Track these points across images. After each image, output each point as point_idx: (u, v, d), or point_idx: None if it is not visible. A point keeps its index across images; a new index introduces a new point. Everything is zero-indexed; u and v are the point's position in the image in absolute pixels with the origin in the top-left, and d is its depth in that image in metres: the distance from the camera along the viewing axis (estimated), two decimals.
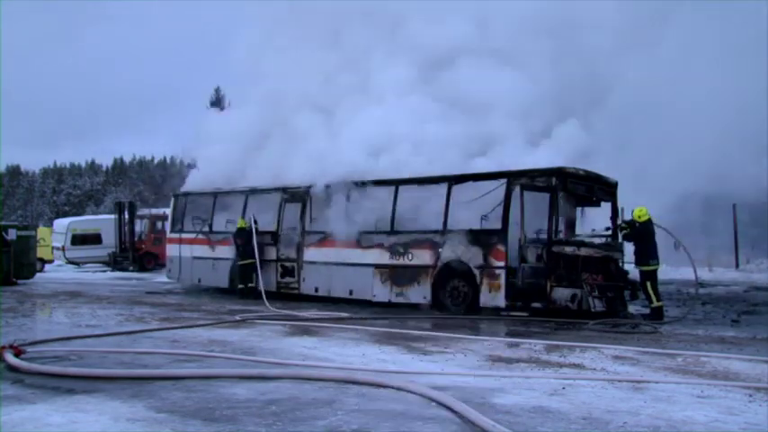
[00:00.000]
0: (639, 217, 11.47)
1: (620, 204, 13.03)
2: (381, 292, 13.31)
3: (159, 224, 28.76)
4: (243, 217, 15.93)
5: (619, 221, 12.25)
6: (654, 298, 11.25)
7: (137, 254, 28.40)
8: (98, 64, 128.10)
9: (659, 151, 13.17)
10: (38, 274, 22.60)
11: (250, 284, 15.44)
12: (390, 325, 10.54)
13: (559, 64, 13.48)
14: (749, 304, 13.71)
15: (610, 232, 12.35)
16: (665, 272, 15.82)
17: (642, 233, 11.43)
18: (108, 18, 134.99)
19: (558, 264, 11.32)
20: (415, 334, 9.48)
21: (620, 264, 12.33)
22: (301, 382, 5.97)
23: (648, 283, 11.30)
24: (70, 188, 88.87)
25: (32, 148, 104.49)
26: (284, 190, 15.71)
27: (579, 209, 13.27)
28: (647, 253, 11.39)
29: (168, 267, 18.83)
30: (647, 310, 11.62)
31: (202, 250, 17.20)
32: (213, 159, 17.52)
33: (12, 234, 20.19)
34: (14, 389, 5.75)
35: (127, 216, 28.79)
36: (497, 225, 11.70)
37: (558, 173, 11.44)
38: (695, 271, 11.97)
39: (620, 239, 12.15)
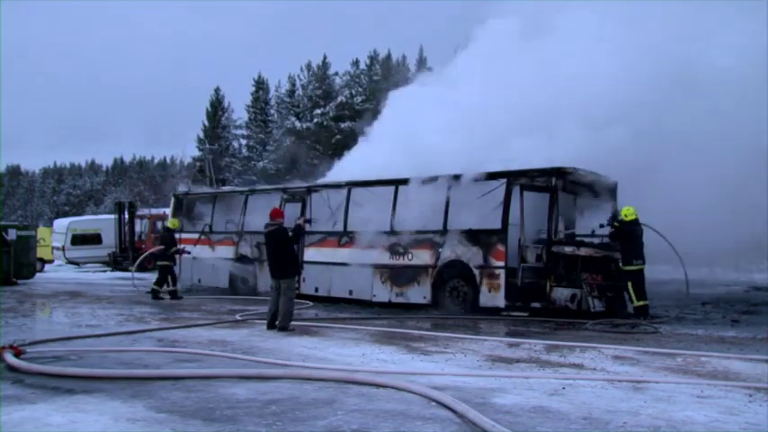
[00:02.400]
0: (626, 216, 11.51)
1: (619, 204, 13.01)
2: (381, 292, 13.32)
3: (159, 224, 28.79)
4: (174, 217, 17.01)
5: (606, 222, 12.12)
6: (634, 298, 11.31)
7: (137, 254, 28.41)
8: (98, 63, 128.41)
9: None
10: (38, 274, 22.61)
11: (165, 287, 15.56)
12: (390, 325, 10.54)
13: None
14: (749, 304, 13.72)
15: (606, 230, 12.26)
16: (665, 272, 15.81)
17: (627, 233, 11.46)
18: (108, 17, 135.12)
19: (558, 264, 11.32)
20: (415, 334, 9.48)
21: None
22: (301, 382, 5.97)
23: (630, 283, 11.35)
24: (70, 188, 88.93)
25: (35, 148, 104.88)
26: (284, 190, 15.73)
27: (579, 209, 13.26)
28: (631, 253, 11.43)
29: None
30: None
31: (202, 250, 17.20)
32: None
33: (12, 234, 20.18)
34: (14, 389, 5.75)
35: (127, 216, 28.81)
36: (497, 225, 11.71)
37: (558, 173, 11.44)
38: (686, 274, 11.91)
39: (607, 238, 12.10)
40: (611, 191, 12.81)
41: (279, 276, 9.99)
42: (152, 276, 22.06)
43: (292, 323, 9.88)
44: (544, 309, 11.35)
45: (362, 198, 13.96)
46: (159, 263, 15.79)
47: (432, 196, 12.75)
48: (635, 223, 11.47)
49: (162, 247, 15.88)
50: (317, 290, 14.48)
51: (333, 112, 47.34)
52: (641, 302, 11.32)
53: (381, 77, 46.59)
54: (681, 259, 11.60)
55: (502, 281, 11.52)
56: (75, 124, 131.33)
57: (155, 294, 15.29)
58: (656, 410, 5.04)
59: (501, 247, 11.60)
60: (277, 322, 9.77)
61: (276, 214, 10.46)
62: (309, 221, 10.73)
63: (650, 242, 11.71)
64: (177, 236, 16.41)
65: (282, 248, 10.05)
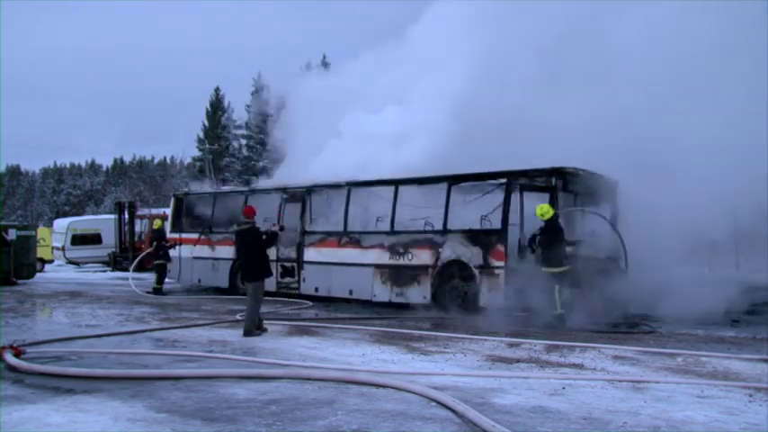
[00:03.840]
0: (542, 216, 10.60)
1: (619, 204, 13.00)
2: (381, 292, 13.31)
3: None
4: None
5: (527, 238, 11.06)
6: (558, 304, 10.37)
7: (137, 254, 28.41)
8: (98, 63, 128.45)
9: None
10: (38, 274, 22.61)
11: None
12: (390, 325, 10.54)
13: None
14: (749, 304, 13.71)
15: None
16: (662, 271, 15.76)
17: (552, 231, 10.51)
18: (107, 17, 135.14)
19: None
20: (415, 334, 9.48)
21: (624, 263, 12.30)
22: (301, 382, 5.97)
23: (557, 288, 10.41)
24: (70, 188, 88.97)
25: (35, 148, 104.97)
26: (284, 190, 15.74)
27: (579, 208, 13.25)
28: (558, 253, 10.49)
29: (168, 267, 18.83)
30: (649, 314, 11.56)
31: (202, 250, 17.22)
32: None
33: (12, 234, 20.19)
34: (14, 389, 5.75)
35: (127, 216, 28.82)
36: (497, 225, 11.71)
37: (558, 172, 11.43)
38: (626, 258, 11.38)
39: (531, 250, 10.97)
40: (612, 190, 12.81)
41: (247, 279, 9.67)
42: (152, 276, 22.08)
43: (293, 323, 9.86)
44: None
45: (363, 198, 13.97)
46: (156, 262, 17.26)
47: (432, 196, 12.76)
48: (554, 219, 10.54)
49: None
50: (316, 290, 14.48)
51: None
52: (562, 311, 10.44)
53: None
54: (625, 252, 11.51)
55: (502, 281, 11.52)
56: (76, 124, 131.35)
57: (157, 292, 16.55)
58: (656, 410, 5.04)
59: (501, 247, 11.59)
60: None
61: (249, 212, 9.96)
62: (283, 228, 10.52)
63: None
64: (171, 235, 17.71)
65: (254, 249, 9.61)
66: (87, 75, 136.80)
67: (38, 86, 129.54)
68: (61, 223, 33.85)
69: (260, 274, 9.59)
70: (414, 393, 5.42)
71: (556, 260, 10.52)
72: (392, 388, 5.62)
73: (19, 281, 20.05)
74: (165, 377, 6.13)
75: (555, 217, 10.66)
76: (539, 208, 10.72)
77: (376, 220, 13.59)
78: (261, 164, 49.82)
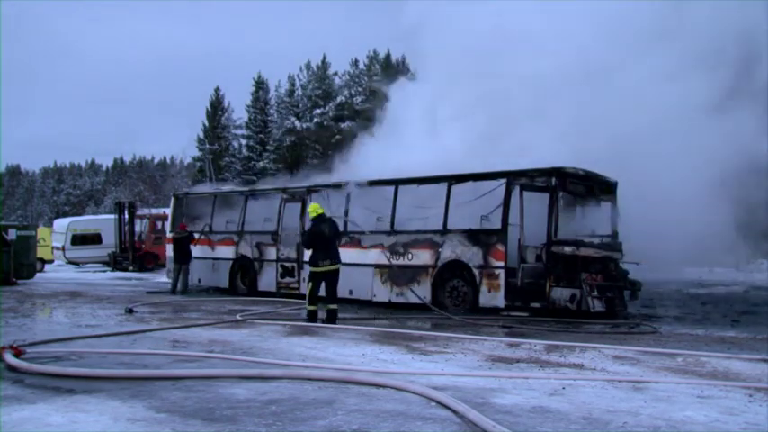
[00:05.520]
0: (310, 212, 11.05)
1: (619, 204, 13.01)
2: (381, 292, 13.31)
3: (159, 224, 28.81)
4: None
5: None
6: (309, 300, 10.62)
7: (137, 254, 28.42)
8: (99, 63, 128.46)
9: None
10: (38, 274, 22.61)
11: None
12: (390, 325, 10.54)
13: None
14: (749, 304, 13.72)
15: None
16: (659, 271, 15.78)
17: (314, 232, 10.75)
18: (108, 16, 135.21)
19: (558, 264, 11.31)
20: (415, 334, 9.47)
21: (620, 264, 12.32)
22: (301, 382, 5.96)
23: (311, 284, 10.65)
24: (70, 188, 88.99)
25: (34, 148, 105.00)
26: (284, 190, 15.74)
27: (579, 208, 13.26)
28: (318, 252, 10.69)
29: (169, 267, 18.84)
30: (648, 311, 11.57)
31: (202, 250, 17.21)
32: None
33: (12, 234, 20.19)
34: (14, 389, 5.74)
35: (127, 216, 28.83)
36: (497, 225, 11.71)
37: (558, 172, 11.44)
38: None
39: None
40: (612, 190, 12.82)
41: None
42: (152, 276, 22.01)
43: (293, 323, 9.85)
44: (544, 309, 11.35)
45: (362, 198, 13.98)
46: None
47: (432, 196, 12.77)
48: (319, 220, 10.80)
49: None
50: None
51: (332, 112, 47.40)
52: (313, 307, 10.61)
53: (382, 77, 46.50)
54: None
55: (502, 281, 11.53)
56: (76, 124, 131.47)
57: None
58: (656, 410, 5.03)
59: (501, 247, 11.60)
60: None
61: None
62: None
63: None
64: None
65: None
66: (87, 75, 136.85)
67: (37, 86, 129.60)
68: (61, 223, 33.89)
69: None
70: (414, 393, 5.41)
71: (312, 259, 10.80)
72: (392, 388, 5.61)
73: (19, 281, 20.05)
74: (164, 377, 6.12)
75: (319, 217, 10.81)
76: (310, 206, 11.26)
77: (376, 220, 13.61)
78: (261, 164, 49.81)
